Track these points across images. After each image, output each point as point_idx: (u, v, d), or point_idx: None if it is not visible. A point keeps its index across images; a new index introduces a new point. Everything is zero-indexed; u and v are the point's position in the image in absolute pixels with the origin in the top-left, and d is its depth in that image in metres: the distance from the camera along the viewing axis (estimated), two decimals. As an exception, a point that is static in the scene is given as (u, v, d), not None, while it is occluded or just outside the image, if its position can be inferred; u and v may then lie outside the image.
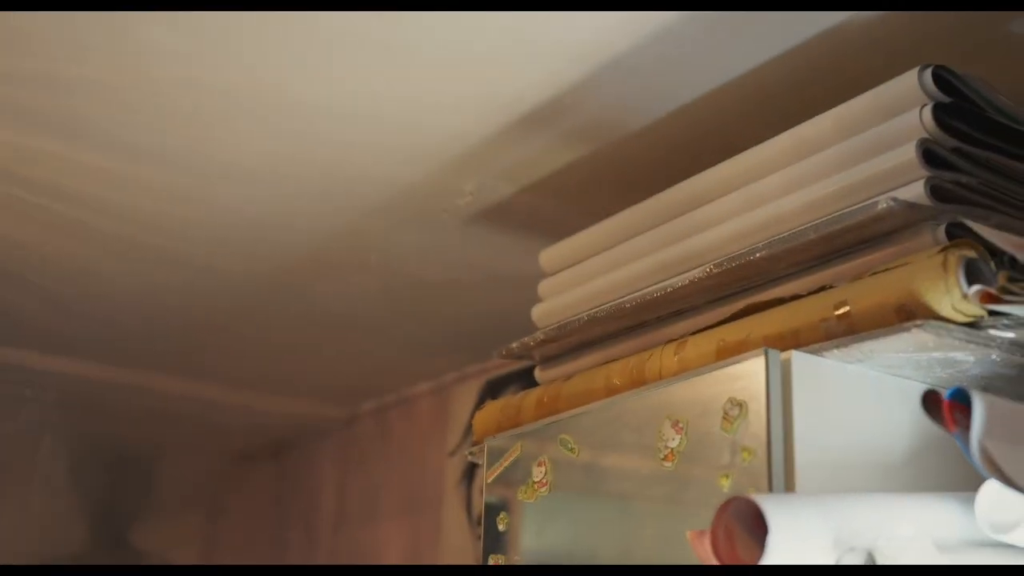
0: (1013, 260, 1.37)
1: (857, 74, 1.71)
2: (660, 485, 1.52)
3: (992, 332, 1.36)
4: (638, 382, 1.67)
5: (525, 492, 1.76)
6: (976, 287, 1.32)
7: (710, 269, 1.67)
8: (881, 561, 1.22)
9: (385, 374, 3.53)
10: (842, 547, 1.22)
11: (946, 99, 1.49)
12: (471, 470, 3.26)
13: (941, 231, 1.43)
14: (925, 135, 1.47)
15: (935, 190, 1.45)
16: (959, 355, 1.39)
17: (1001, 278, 1.34)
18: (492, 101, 1.96)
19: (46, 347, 3.41)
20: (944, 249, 1.36)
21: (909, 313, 1.34)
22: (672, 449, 1.51)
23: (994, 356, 1.39)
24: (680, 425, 1.51)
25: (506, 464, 1.82)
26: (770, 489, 1.35)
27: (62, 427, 3.98)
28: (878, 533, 1.24)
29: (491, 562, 1.79)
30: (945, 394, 1.25)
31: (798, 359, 1.42)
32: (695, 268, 1.72)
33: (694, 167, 1.86)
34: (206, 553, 4.41)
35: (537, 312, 2.08)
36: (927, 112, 1.47)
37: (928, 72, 1.49)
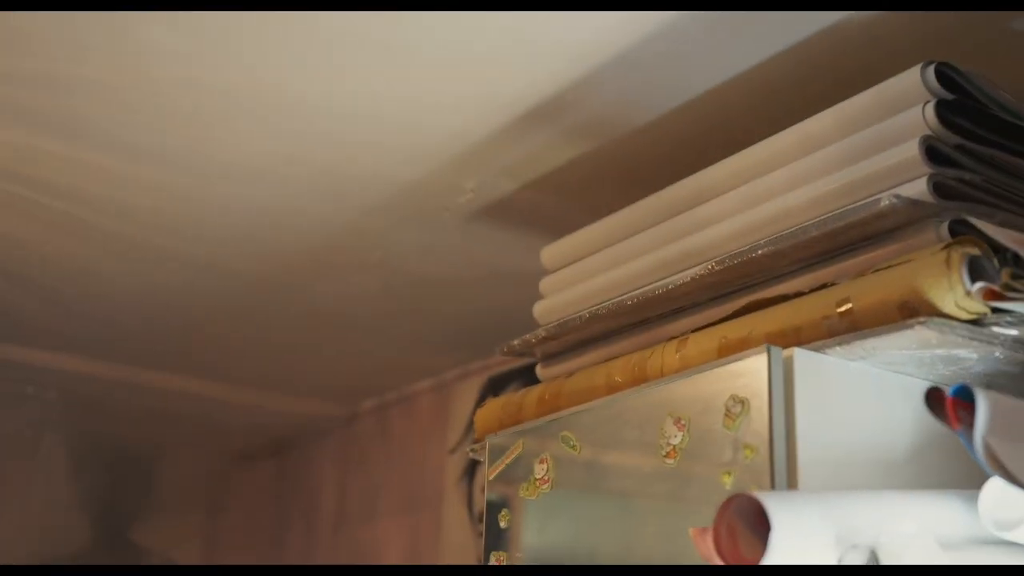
0: (1016, 257, 1.37)
1: (859, 71, 1.71)
2: (662, 482, 1.52)
3: (995, 329, 1.36)
4: (640, 379, 1.67)
5: (527, 489, 1.76)
6: (979, 284, 1.32)
7: (712, 266, 1.66)
8: (884, 558, 1.21)
9: (386, 372, 3.53)
10: (844, 544, 1.21)
11: (949, 96, 1.49)
12: (472, 468, 3.26)
13: (944, 228, 1.42)
14: (928, 132, 1.47)
15: (938, 187, 1.45)
16: (962, 352, 1.39)
17: (1004, 275, 1.34)
18: (493, 99, 1.95)
19: (47, 345, 3.41)
20: (947, 246, 1.36)
21: (912, 310, 1.34)
22: (674, 446, 1.51)
23: (997, 353, 1.39)
24: (682, 422, 1.51)
25: (508, 461, 1.82)
26: (772, 486, 1.35)
27: (63, 425, 3.98)
28: (881, 530, 1.24)
29: (493, 559, 1.79)
30: (949, 391, 1.25)
31: (800, 356, 1.41)
32: (697, 265, 1.72)
33: (696, 164, 1.86)
34: (207, 551, 4.41)
35: (539, 309, 2.08)
36: (930, 109, 1.47)
37: (931, 69, 1.49)
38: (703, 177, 1.83)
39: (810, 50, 1.76)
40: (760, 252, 1.59)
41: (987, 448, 1.21)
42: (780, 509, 1.16)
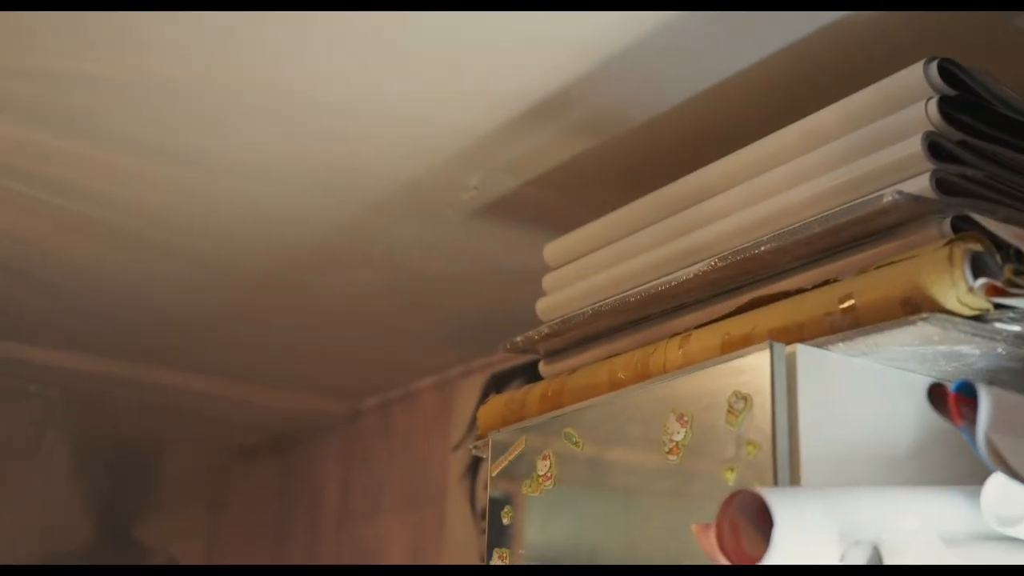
0: (1019, 253, 1.37)
1: (862, 67, 1.71)
2: (665, 479, 1.52)
3: (998, 325, 1.36)
4: (642, 376, 1.67)
5: (529, 486, 1.76)
6: (982, 280, 1.32)
7: (714, 263, 1.66)
8: (887, 555, 1.21)
9: (389, 369, 3.53)
10: (847, 541, 1.21)
11: (952, 92, 1.49)
12: (475, 464, 3.26)
13: (947, 224, 1.42)
14: (931, 128, 1.47)
15: (941, 183, 1.45)
16: (964, 348, 1.39)
17: (1007, 271, 1.34)
18: (496, 95, 1.95)
19: (50, 342, 3.41)
20: (950, 242, 1.36)
21: (914, 306, 1.34)
22: (677, 443, 1.51)
23: (1000, 349, 1.39)
24: (685, 419, 1.51)
25: (510, 458, 1.82)
26: (775, 483, 1.35)
27: (65, 422, 3.98)
28: (884, 527, 1.24)
29: (495, 556, 1.79)
30: (951, 387, 1.25)
31: (803, 352, 1.41)
32: (700, 262, 1.72)
33: (699, 160, 1.86)
34: (209, 549, 4.42)
35: (541, 306, 2.08)
36: (933, 105, 1.47)
37: (934, 65, 1.49)
38: (706, 174, 1.83)
39: (812, 47, 1.76)
40: (763, 248, 1.59)
41: (990, 444, 1.21)
42: (783, 505, 1.16)
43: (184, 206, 2.45)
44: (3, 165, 2.28)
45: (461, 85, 1.94)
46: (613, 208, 2.00)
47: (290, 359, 3.48)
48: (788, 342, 1.43)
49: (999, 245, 1.37)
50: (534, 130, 2.05)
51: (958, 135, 1.48)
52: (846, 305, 1.42)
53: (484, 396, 3.19)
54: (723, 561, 1.19)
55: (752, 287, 1.67)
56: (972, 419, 1.22)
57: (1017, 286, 1.32)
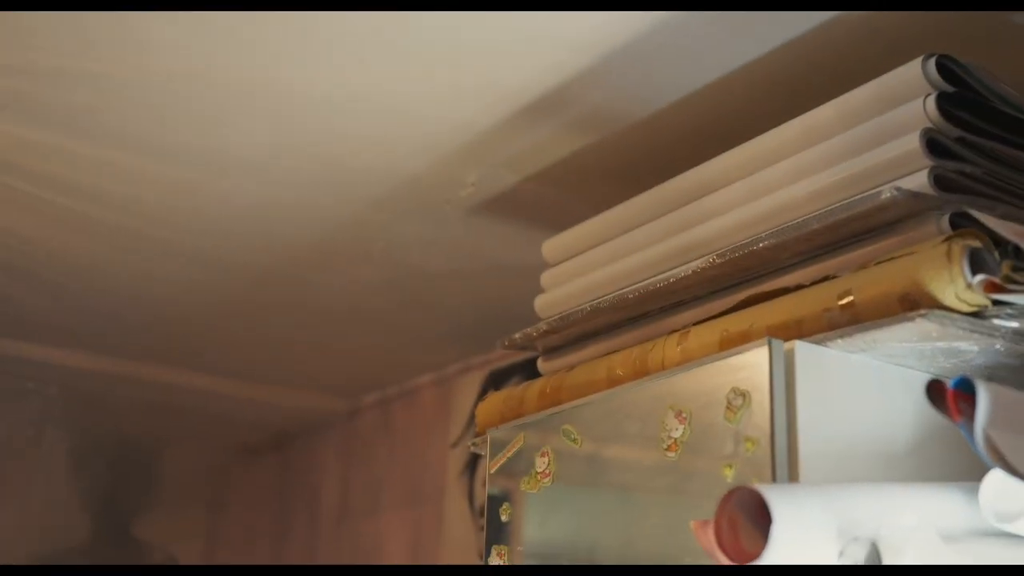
0: (1017, 250, 1.37)
1: (860, 64, 1.71)
2: (663, 476, 1.52)
3: (996, 322, 1.36)
4: (641, 373, 1.67)
5: (528, 483, 1.76)
6: (980, 277, 1.32)
7: (713, 259, 1.66)
8: (885, 551, 1.21)
9: (388, 366, 3.54)
10: (846, 537, 1.21)
11: (950, 88, 1.49)
12: (473, 461, 3.26)
13: (945, 221, 1.42)
14: (929, 124, 1.47)
15: (939, 180, 1.44)
16: (963, 345, 1.39)
17: (1005, 268, 1.34)
18: (494, 92, 1.95)
19: (49, 340, 3.41)
20: (948, 239, 1.36)
21: (913, 303, 1.34)
22: (675, 439, 1.51)
23: (998, 346, 1.39)
24: (683, 415, 1.51)
25: (509, 455, 1.82)
26: (774, 479, 1.35)
27: (65, 420, 3.98)
28: (882, 523, 1.24)
29: (494, 553, 1.79)
30: (950, 383, 1.25)
31: (801, 349, 1.41)
32: (698, 258, 1.72)
33: (697, 157, 1.86)
34: (209, 546, 4.42)
35: (540, 303, 2.08)
36: (931, 101, 1.47)
37: (932, 61, 1.49)
38: (704, 170, 1.83)
39: (810, 44, 1.76)
40: (761, 245, 1.59)
41: (988, 440, 1.21)
42: (781, 502, 1.16)
43: (184, 204, 2.45)
44: (4, 163, 2.28)
45: (460, 82, 1.93)
46: (612, 204, 2.00)
47: (290, 356, 3.48)
48: (787, 339, 1.43)
49: (997, 241, 1.37)
50: (533, 126, 2.05)
51: (956, 132, 1.48)
52: (845, 301, 1.42)
53: (483, 393, 3.19)
54: (721, 557, 1.19)
55: (751, 283, 1.67)
56: (970, 415, 1.22)
57: (1015, 282, 1.32)
